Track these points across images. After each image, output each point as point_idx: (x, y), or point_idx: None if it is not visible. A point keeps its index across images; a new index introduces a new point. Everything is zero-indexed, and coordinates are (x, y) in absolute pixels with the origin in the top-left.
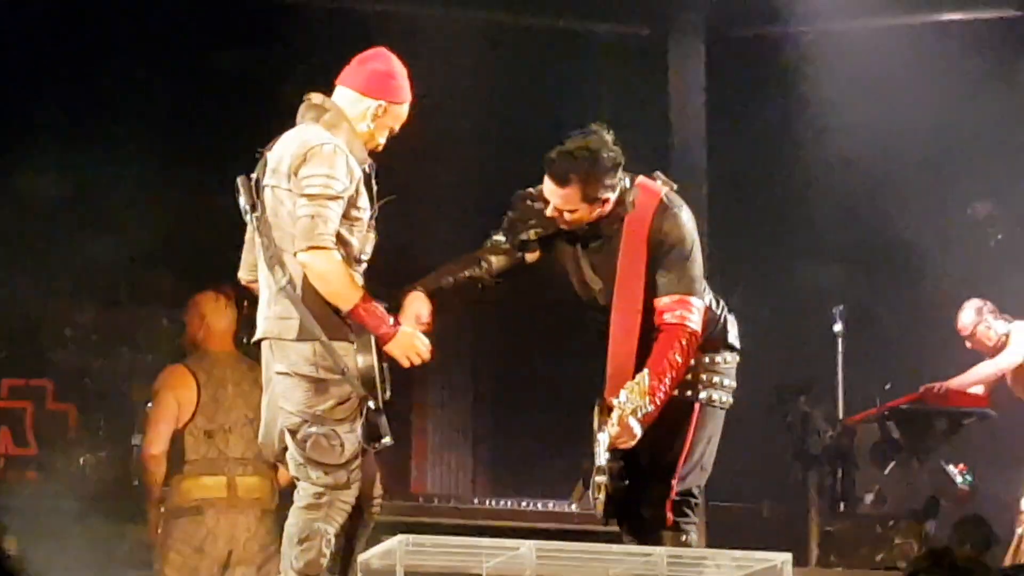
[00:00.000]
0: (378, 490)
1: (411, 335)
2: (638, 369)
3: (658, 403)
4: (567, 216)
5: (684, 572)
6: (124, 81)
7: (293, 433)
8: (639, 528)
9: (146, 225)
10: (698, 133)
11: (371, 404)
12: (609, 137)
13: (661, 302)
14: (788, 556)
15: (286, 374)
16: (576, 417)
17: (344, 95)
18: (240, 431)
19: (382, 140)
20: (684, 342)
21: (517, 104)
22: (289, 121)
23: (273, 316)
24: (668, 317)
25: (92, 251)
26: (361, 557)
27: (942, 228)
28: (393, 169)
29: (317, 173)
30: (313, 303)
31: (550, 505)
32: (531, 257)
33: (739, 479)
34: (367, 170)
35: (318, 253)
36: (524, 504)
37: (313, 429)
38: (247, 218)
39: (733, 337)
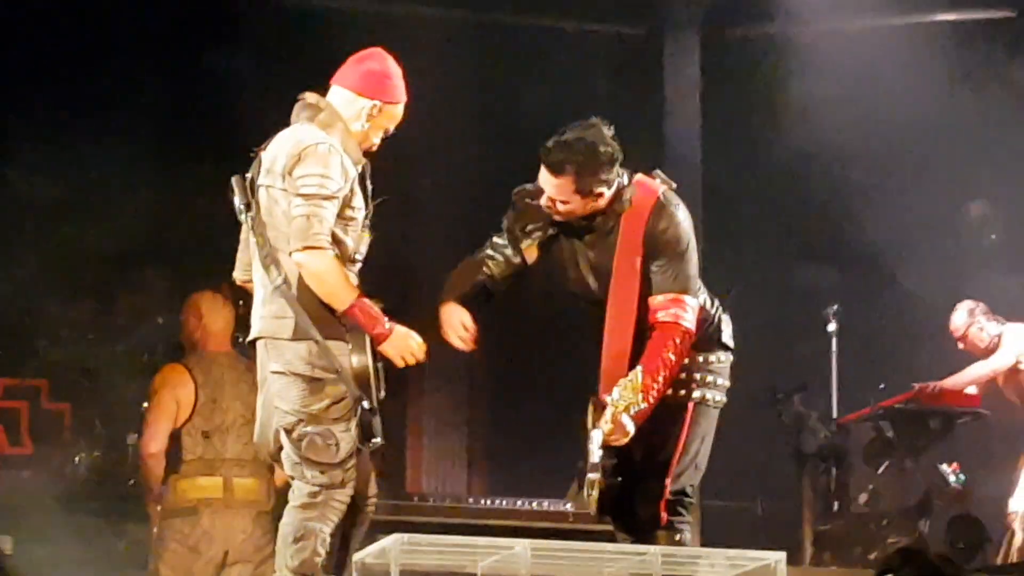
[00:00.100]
0: (373, 489)
1: (406, 335)
2: (632, 367)
3: (651, 401)
4: (560, 207)
5: (678, 571)
6: (120, 81)
7: (288, 432)
8: (633, 527)
9: (141, 225)
10: (693, 132)
11: (366, 404)
12: (608, 132)
13: (656, 300)
14: (782, 555)
15: (281, 373)
16: (571, 417)
17: (339, 95)
18: (237, 432)
19: (377, 140)
20: (678, 340)
21: (513, 102)
22: (284, 120)
23: (268, 315)
24: (662, 315)
25: (87, 250)
26: (356, 556)
27: (935, 229)
28: (388, 169)
29: (312, 173)
30: (308, 303)
31: (545, 504)
32: (532, 258)
33: (734, 478)
34: (362, 170)
35: (313, 253)
36: (519, 503)
37: (308, 428)
38: (242, 218)
39: (727, 337)
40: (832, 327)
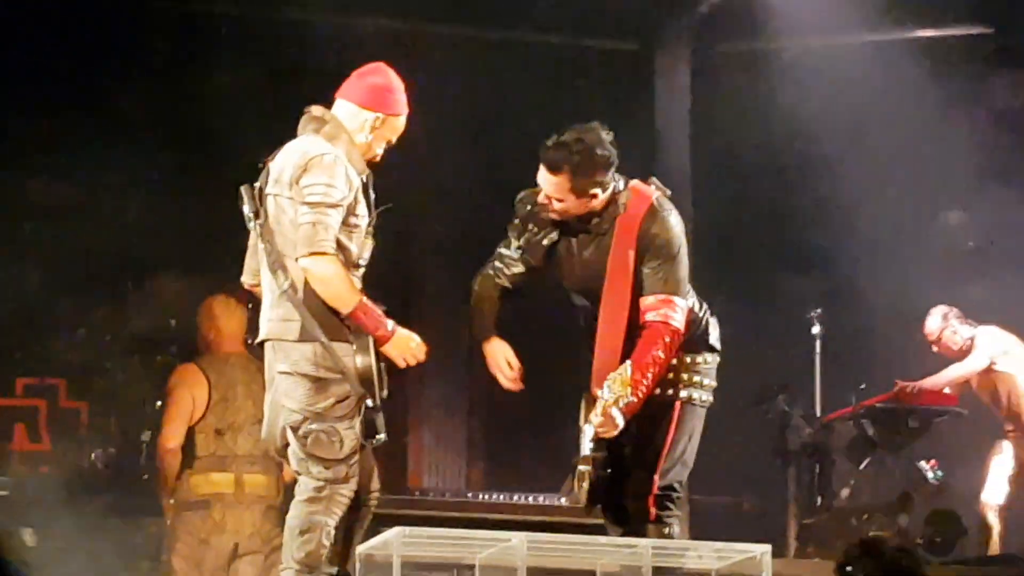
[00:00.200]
0: (376, 484)
1: (407, 338)
2: (623, 363)
3: (640, 396)
4: (556, 205)
5: (668, 563)
6: (137, 94)
7: (295, 430)
8: (624, 520)
9: (155, 232)
10: (683, 143)
11: (369, 402)
12: (606, 136)
13: (646, 301)
14: (767, 548)
15: (288, 373)
16: (566, 415)
17: (343, 108)
18: (248, 430)
19: (380, 151)
20: (667, 339)
21: (511, 113)
22: (290, 132)
23: (276, 318)
24: (652, 315)
25: (103, 256)
26: (359, 548)
27: (915, 237)
28: (390, 178)
29: (317, 182)
30: (314, 306)
31: (540, 499)
32: (539, 260)
33: (721, 474)
34: (365, 179)
35: (319, 258)
36: (515, 498)
37: (314, 426)
38: (250, 225)
39: (714, 339)
40: (816, 330)
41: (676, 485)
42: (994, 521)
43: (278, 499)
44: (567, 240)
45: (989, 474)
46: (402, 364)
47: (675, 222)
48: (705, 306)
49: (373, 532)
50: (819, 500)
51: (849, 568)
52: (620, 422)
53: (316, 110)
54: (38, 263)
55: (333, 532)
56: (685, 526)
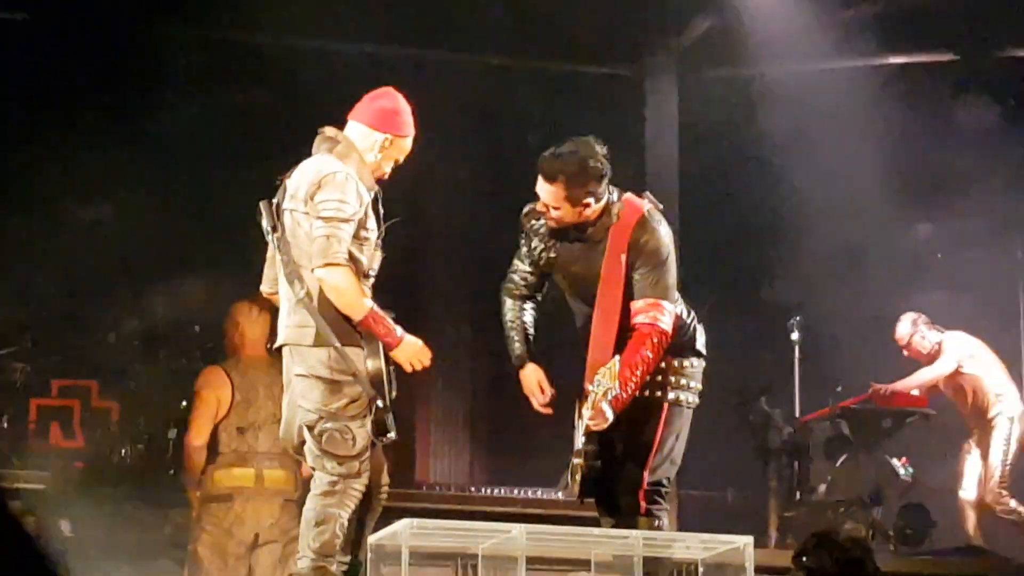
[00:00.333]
0: (386, 479)
1: (414, 344)
2: None
3: (628, 392)
4: (552, 212)
5: (657, 553)
6: (166, 117)
7: (310, 428)
8: (616, 513)
9: (181, 243)
10: (671, 162)
11: (379, 403)
12: (600, 149)
13: (636, 304)
14: (750, 539)
15: (304, 376)
16: (563, 415)
17: (355, 129)
18: (268, 429)
19: (388, 169)
20: (655, 340)
21: (510, 134)
22: (306, 152)
23: (292, 325)
24: (642, 318)
25: (133, 267)
26: (371, 538)
27: (886, 249)
28: (398, 194)
29: (331, 198)
30: (328, 313)
31: (539, 493)
32: (548, 267)
33: (707, 470)
34: (374, 195)
35: (333, 269)
36: (516, 492)
37: (328, 425)
38: (268, 238)
39: (701, 344)
40: (795, 336)
41: (665, 481)
42: (1011, 518)
43: (295, 493)
44: (565, 248)
45: (964, 473)
46: (409, 369)
47: (664, 232)
48: (692, 313)
49: (383, 523)
50: (798, 495)
51: (804, 558)
52: (610, 415)
53: (329, 131)
54: (73, 273)
55: (346, 523)
56: (673, 518)
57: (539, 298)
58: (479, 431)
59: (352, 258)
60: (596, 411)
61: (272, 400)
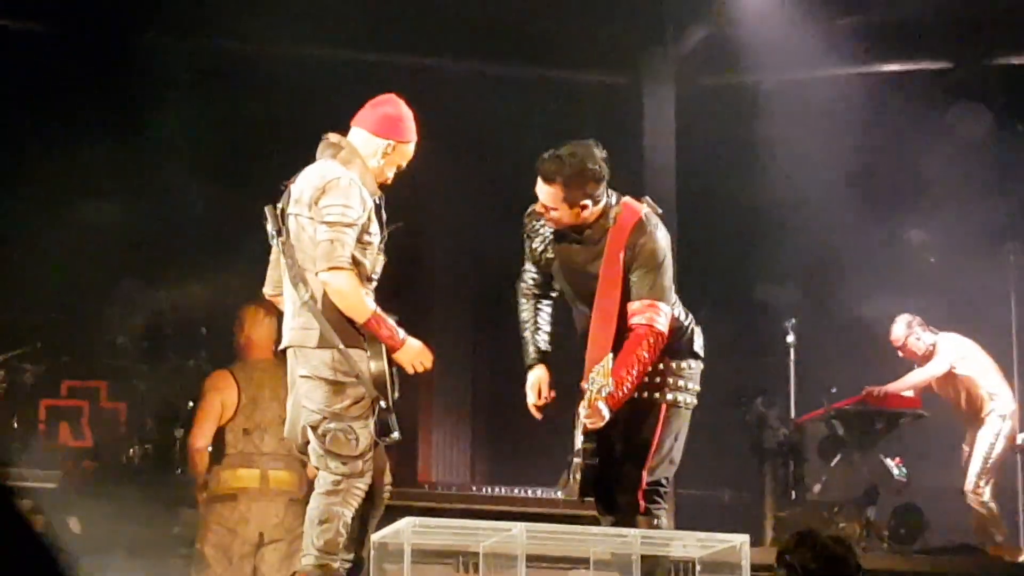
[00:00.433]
0: (388, 478)
1: (416, 346)
2: None
3: (624, 391)
4: (551, 214)
5: (656, 551)
6: (174, 123)
7: (314, 429)
8: (616, 513)
9: (188, 249)
10: (668, 168)
11: (382, 404)
12: (599, 153)
13: (633, 305)
14: (746, 537)
15: (308, 377)
16: (563, 415)
17: (358, 135)
18: (274, 430)
19: (391, 174)
20: (651, 340)
21: (510, 140)
22: (309, 157)
23: (297, 327)
24: (638, 319)
25: (142, 271)
26: (374, 536)
27: (881, 253)
28: (400, 200)
29: (335, 203)
30: (332, 316)
31: (539, 492)
32: (543, 269)
33: (704, 470)
34: (377, 201)
35: (336, 272)
36: (517, 491)
37: (332, 425)
38: (273, 242)
39: (698, 347)
40: (790, 338)
41: (663, 480)
42: (981, 510)
43: (300, 493)
44: (564, 250)
45: (968, 470)
46: (411, 371)
47: (661, 235)
48: (690, 316)
49: (386, 522)
50: (793, 494)
51: (788, 556)
52: (606, 413)
53: (333, 137)
54: (83, 276)
55: (350, 522)
56: (671, 517)
57: (553, 296)
58: (480, 432)
59: (355, 262)
60: (592, 409)
61: (278, 402)
